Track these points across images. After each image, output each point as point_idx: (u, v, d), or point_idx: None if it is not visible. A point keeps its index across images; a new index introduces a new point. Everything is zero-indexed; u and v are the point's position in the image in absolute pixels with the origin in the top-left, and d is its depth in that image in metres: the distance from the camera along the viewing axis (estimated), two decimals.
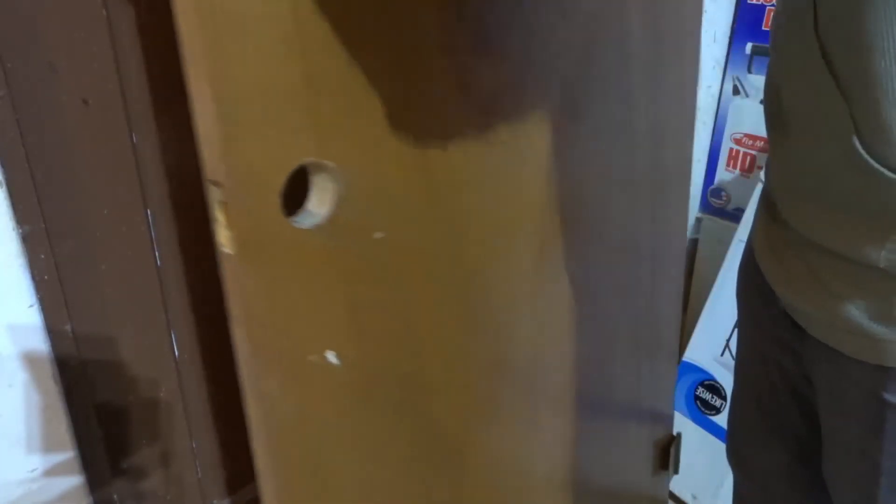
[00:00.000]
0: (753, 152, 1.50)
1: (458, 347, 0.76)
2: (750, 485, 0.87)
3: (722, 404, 1.29)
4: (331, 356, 0.63)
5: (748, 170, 1.53)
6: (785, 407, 0.78)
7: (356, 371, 0.66)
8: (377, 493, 0.72)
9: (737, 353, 0.86)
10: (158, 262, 0.81)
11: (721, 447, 1.28)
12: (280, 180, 0.55)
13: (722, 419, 1.29)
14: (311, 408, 0.64)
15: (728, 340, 1.29)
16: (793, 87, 0.59)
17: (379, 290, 0.66)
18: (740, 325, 0.83)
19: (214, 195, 0.53)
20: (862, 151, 0.53)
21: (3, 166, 0.66)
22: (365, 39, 0.58)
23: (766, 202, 0.70)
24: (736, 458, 0.88)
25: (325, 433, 0.66)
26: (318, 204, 0.60)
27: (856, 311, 0.58)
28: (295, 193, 0.59)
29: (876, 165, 0.52)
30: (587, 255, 0.93)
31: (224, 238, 0.54)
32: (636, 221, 1.00)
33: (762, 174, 1.36)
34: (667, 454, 1.24)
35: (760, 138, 1.50)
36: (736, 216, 1.51)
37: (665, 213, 1.06)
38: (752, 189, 1.44)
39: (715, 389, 1.30)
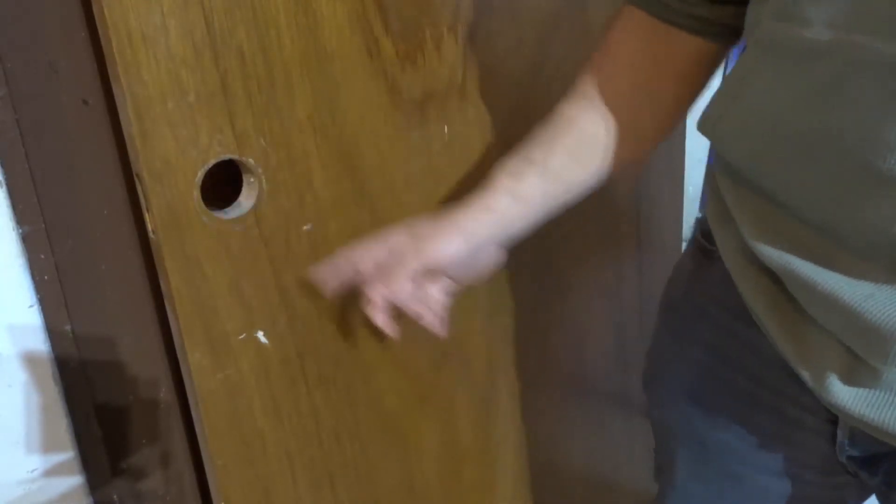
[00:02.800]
0: None
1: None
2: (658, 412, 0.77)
3: None
4: (260, 335, 0.71)
5: None
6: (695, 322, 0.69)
7: (287, 349, 0.73)
8: (307, 466, 0.78)
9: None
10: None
11: None
12: (197, 174, 0.62)
13: None
14: (240, 381, 0.71)
15: None
16: None
17: (306, 277, 0.73)
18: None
19: (139, 186, 0.61)
20: None
21: (3, 166, 0.66)
22: (281, 46, 0.65)
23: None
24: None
25: (255, 406, 0.73)
26: (245, 197, 0.67)
27: None
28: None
29: None
30: (560, 248, 0.93)
31: (149, 224, 0.62)
32: (627, 221, 1.00)
33: None
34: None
35: None
36: None
37: (655, 214, 1.06)
38: None
39: None
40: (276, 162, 0.67)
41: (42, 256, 0.70)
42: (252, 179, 0.66)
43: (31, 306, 0.71)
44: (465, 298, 0.83)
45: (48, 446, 0.76)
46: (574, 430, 1.05)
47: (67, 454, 0.78)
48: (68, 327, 0.75)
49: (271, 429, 0.75)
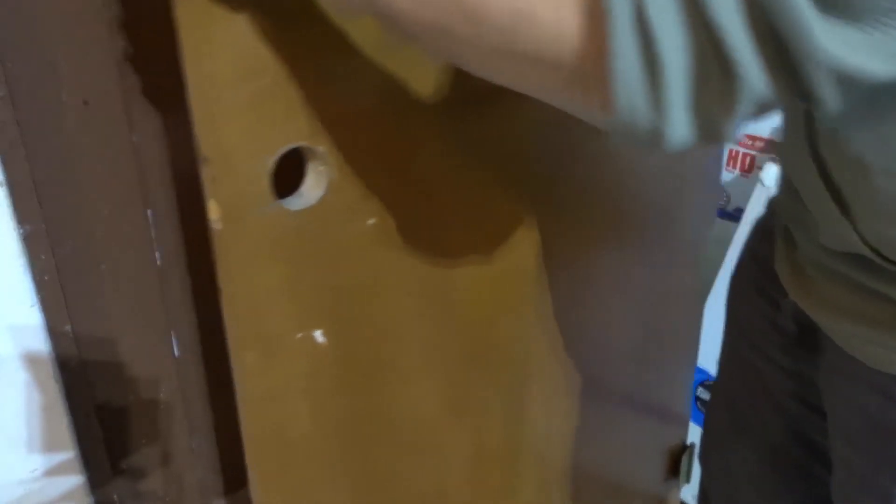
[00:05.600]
0: (753, 153, 1.51)
1: (436, 337, 0.77)
2: (715, 484, 0.86)
3: None
4: (318, 335, 0.67)
5: (748, 170, 1.53)
6: (761, 415, 0.75)
7: (339, 351, 0.69)
8: (347, 473, 0.76)
9: (720, 356, 0.83)
10: (158, 262, 0.81)
11: None
12: (269, 161, 0.58)
13: None
14: (290, 384, 0.68)
15: None
16: (802, 190, 0.58)
17: (364, 275, 0.69)
18: (727, 330, 0.80)
19: (205, 172, 0.56)
20: (873, 257, 0.51)
21: (3, 166, 0.66)
22: (347, 41, 0.62)
23: (786, 232, 0.67)
24: (704, 457, 0.87)
25: (302, 410, 0.69)
26: (311, 188, 0.62)
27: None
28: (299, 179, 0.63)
29: (890, 267, 0.51)
30: (595, 253, 0.92)
31: (213, 213, 0.58)
32: (649, 220, 0.99)
33: (762, 175, 1.36)
34: (678, 462, 1.25)
35: (760, 139, 1.50)
36: (736, 216, 1.51)
37: (680, 213, 1.05)
38: (752, 189, 1.44)
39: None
40: (347, 152, 0.63)
41: (42, 256, 0.70)
42: (321, 168, 0.62)
43: (31, 306, 0.71)
44: (502, 300, 0.82)
45: (49, 446, 0.76)
46: (592, 432, 1.04)
47: (68, 454, 0.78)
48: (68, 327, 0.75)
49: (316, 434, 0.72)
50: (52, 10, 0.66)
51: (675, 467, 1.26)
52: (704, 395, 1.33)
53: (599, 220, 0.92)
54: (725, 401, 0.82)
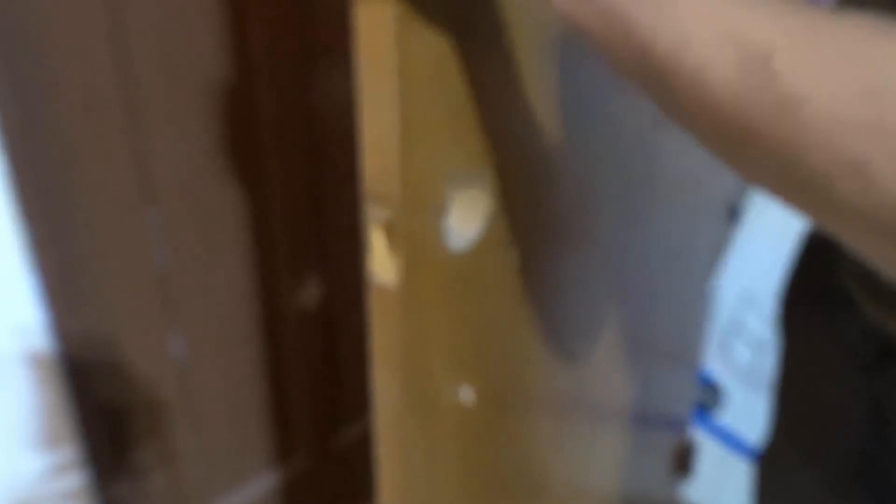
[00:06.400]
0: None
1: (546, 373, 0.71)
2: None
3: (720, 403, 1.29)
4: (465, 392, 0.57)
5: None
6: (831, 443, 0.69)
7: (487, 403, 0.60)
8: None
9: (779, 381, 0.74)
10: (158, 262, 0.81)
11: (718, 446, 1.28)
12: (445, 196, 0.47)
13: (720, 418, 1.29)
14: (445, 445, 0.58)
15: (727, 340, 1.29)
16: None
17: (501, 315, 0.59)
18: (786, 353, 0.71)
19: (377, 214, 0.44)
20: None
21: (3, 166, 0.66)
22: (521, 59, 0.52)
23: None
24: (763, 489, 0.79)
25: (451, 466, 0.60)
26: (464, 222, 0.50)
27: None
28: None
29: None
30: (606, 256, 0.90)
31: (384, 267, 0.45)
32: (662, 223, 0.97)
33: None
34: (684, 461, 1.24)
35: None
36: (736, 216, 1.50)
37: (690, 217, 1.03)
38: (752, 189, 1.43)
39: (714, 389, 1.30)
40: (504, 180, 0.53)
41: (43, 256, 0.71)
42: (481, 198, 0.51)
43: (32, 306, 0.71)
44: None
45: (50, 445, 0.76)
46: (601, 440, 1.02)
47: (70, 453, 0.78)
48: (70, 327, 0.75)
49: (456, 484, 0.63)
50: (52, 10, 0.67)
51: (680, 467, 1.26)
52: (705, 395, 1.33)
53: (608, 222, 0.90)
54: (788, 428, 0.74)
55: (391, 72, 0.40)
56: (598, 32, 0.34)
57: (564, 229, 0.65)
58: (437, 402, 0.55)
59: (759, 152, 0.31)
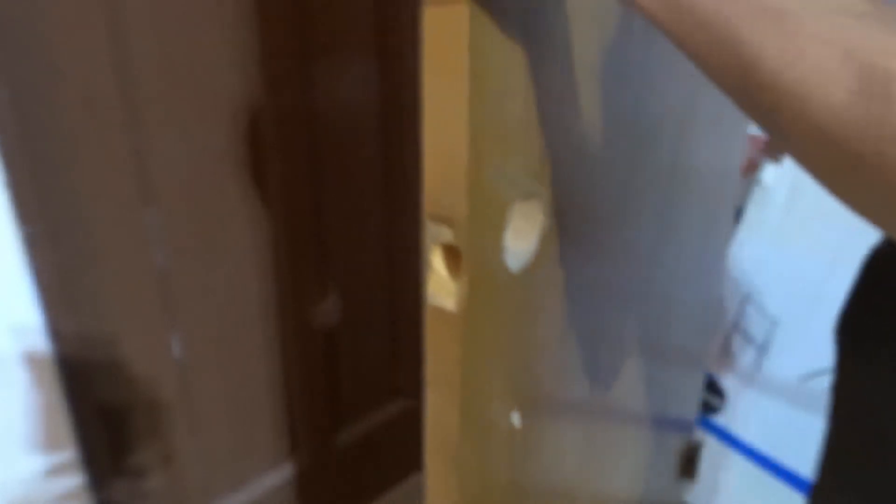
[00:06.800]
0: (753, 153, 1.50)
1: (580, 385, 0.71)
2: None
3: (721, 404, 1.29)
4: (515, 418, 0.55)
5: (748, 170, 1.53)
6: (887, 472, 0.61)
7: (528, 433, 0.58)
8: None
9: (834, 411, 0.67)
10: (158, 262, 0.81)
11: (720, 447, 1.28)
12: (506, 215, 0.45)
13: (722, 419, 1.29)
14: (500, 471, 0.57)
15: (728, 340, 1.29)
16: None
17: (548, 333, 0.57)
18: (849, 379, 0.65)
19: (437, 234, 0.41)
20: None
21: (4, 167, 0.66)
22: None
23: None
24: None
25: (499, 496, 0.58)
26: (521, 239, 0.48)
27: None
28: None
29: None
30: (614, 259, 0.89)
31: (443, 289, 0.42)
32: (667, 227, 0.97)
33: (762, 175, 1.36)
34: (690, 463, 1.25)
35: (760, 139, 1.49)
36: (736, 216, 1.51)
37: (704, 220, 1.04)
38: (752, 189, 1.44)
39: (715, 389, 1.30)
40: (557, 193, 0.51)
41: (43, 256, 0.71)
42: (537, 214, 0.48)
43: (31, 306, 0.71)
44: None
45: (49, 446, 0.76)
46: (611, 445, 1.01)
47: (68, 454, 0.78)
48: (69, 327, 0.75)
49: None
50: (52, 10, 0.67)
51: (686, 469, 1.26)
52: (705, 395, 1.33)
53: (642, 228, 0.89)
54: (846, 464, 0.66)
55: (462, 77, 0.37)
56: (695, 42, 0.33)
57: (605, 240, 0.64)
58: (492, 427, 0.53)
59: (870, 178, 0.29)
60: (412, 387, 1.18)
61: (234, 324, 0.91)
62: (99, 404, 0.81)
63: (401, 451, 1.21)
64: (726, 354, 1.30)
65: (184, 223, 0.82)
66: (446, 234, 0.40)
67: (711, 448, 1.33)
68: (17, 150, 0.67)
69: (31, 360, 0.72)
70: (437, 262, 0.42)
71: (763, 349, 1.17)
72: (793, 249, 1.17)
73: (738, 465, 1.23)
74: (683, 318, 1.07)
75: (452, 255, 0.41)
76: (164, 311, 0.83)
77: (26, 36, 0.66)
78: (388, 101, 0.98)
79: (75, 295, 0.75)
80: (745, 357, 1.20)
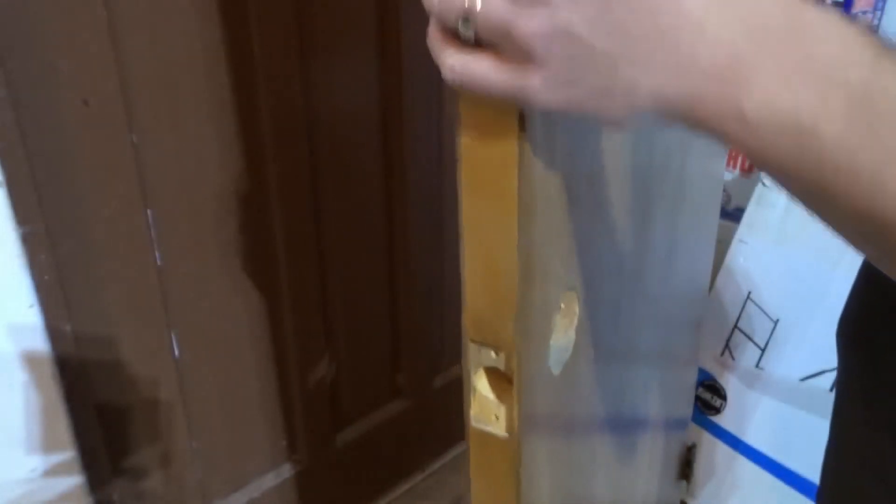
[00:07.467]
0: None
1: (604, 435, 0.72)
2: None
3: (722, 404, 1.29)
4: None
5: (748, 170, 1.53)
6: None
7: None
8: None
9: (837, 421, 0.64)
10: (158, 262, 0.81)
11: (720, 447, 1.28)
12: (552, 323, 0.42)
13: (722, 419, 1.29)
14: None
15: (728, 340, 1.29)
16: None
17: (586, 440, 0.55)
18: (857, 369, 0.61)
19: (481, 360, 0.38)
20: None
21: (3, 167, 0.66)
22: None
23: None
24: None
25: None
26: (560, 339, 0.45)
27: None
28: None
29: None
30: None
31: (489, 413, 0.39)
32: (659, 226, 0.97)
33: (762, 175, 1.36)
34: (686, 463, 1.24)
35: None
36: (736, 216, 1.50)
37: (693, 219, 1.04)
38: (752, 189, 1.44)
39: (715, 390, 1.30)
40: (588, 287, 0.47)
41: (42, 256, 0.71)
42: (574, 308, 0.45)
43: (31, 306, 0.71)
44: None
45: (48, 446, 0.76)
46: (613, 448, 1.01)
47: (67, 454, 0.78)
48: (68, 327, 0.75)
49: None
50: (52, 10, 0.67)
51: (682, 469, 1.26)
52: (705, 395, 1.33)
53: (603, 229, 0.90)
54: (850, 466, 0.62)
55: (511, 209, 0.34)
56: (801, 179, 0.28)
57: (623, 287, 0.61)
58: None
59: None
60: (412, 387, 1.18)
61: (233, 324, 0.91)
62: (98, 404, 0.81)
63: (401, 451, 1.21)
64: (726, 354, 1.30)
65: (183, 223, 0.82)
66: (491, 358, 0.38)
67: (711, 448, 1.33)
68: (16, 149, 0.67)
69: (30, 360, 0.72)
70: (481, 385, 0.39)
71: (763, 349, 1.17)
72: (793, 249, 1.17)
73: (738, 466, 1.23)
74: (676, 315, 1.07)
75: (497, 376, 0.38)
76: (164, 311, 0.83)
77: (26, 36, 0.66)
78: (388, 101, 0.98)
79: (74, 295, 0.75)
80: (746, 357, 1.20)
